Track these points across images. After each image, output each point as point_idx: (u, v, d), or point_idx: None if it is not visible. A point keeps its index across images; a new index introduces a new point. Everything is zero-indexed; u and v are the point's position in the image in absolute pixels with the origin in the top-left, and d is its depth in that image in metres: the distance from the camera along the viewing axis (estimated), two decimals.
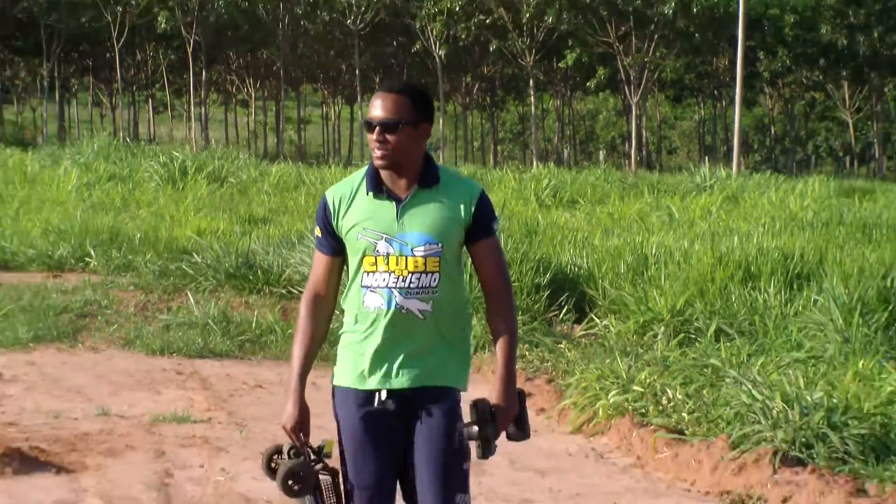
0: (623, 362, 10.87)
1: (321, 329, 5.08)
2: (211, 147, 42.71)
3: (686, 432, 9.16)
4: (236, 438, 9.30)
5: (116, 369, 11.76)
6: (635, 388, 9.99)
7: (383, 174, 4.92)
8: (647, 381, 10.12)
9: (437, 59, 50.92)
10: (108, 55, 55.80)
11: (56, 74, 56.31)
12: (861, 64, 51.36)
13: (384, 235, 4.87)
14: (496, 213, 5.13)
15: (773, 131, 62.95)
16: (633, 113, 49.85)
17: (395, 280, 4.84)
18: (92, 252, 17.04)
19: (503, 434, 4.98)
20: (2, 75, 62.09)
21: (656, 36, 47.29)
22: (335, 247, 5.00)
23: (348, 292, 5.02)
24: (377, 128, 4.81)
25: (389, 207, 4.87)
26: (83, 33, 53.61)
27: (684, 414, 9.45)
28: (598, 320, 13.25)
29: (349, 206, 4.95)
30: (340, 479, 5.10)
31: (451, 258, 4.96)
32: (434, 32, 49.45)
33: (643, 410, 9.70)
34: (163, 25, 50.83)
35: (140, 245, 17.31)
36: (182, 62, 55.90)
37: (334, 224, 4.97)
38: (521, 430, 5.00)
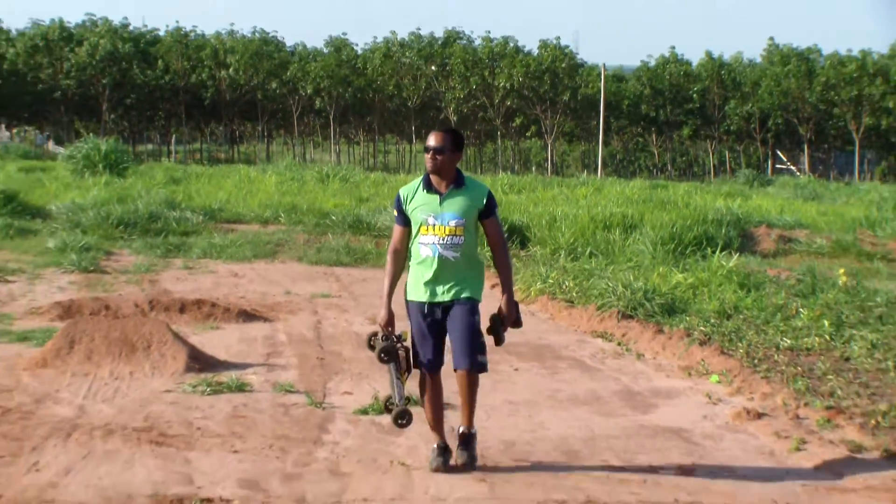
0: (542, 268, 18.81)
1: (399, 267, 8.30)
2: (341, 164, 62.38)
3: (575, 302, 16.04)
4: (352, 305, 16.19)
5: (293, 272, 19.97)
6: (549, 280, 17.37)
7: (432, 179, 8.14)
8: (555, 277, 17.64)
9: (452, 121, 75.37)
10: (289, 119, 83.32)
11: (264, 130, 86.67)
12: (661, 124, 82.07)
13: (432, 214, 8.07)
14: (497, 203, 8.36)
15: (617, 157, 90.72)
16: (549, 147, 78.68)
17: (438, 239, 8.03)
18: (282, 215, 28.90)
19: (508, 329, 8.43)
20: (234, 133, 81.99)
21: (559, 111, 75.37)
22: (405, 221, 8.22)
23: (412, 246, 8.21)
24: (431, 151, 8.06)
25: (435, 198, 8.09)
26: (281, 108, 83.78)
27: (574, 293, 16.48)
28: (531, 248, 23.14)
29: (413, 197, 8.19)
30: (411, 354, 8.27)
31: (471, 228, 8.11)
32: (451, 109, 76.68)
33: (553, 291, 16.88)
34: (318, 105, 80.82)
35: (306, 211, 29.04)
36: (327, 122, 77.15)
37: (405, 208, 8.20)
38: (517, 325, 8.43)
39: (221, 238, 23.94)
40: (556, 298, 16.47)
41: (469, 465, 8.15)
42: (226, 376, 11.18)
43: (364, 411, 9.77)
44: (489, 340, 8.20)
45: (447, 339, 8.20)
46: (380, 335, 8.26)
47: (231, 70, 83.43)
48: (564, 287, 16.87)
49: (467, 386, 8.07)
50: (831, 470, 8.59)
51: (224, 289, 17.67)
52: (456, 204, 8.07)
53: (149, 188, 33.13)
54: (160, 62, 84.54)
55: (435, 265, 8.02)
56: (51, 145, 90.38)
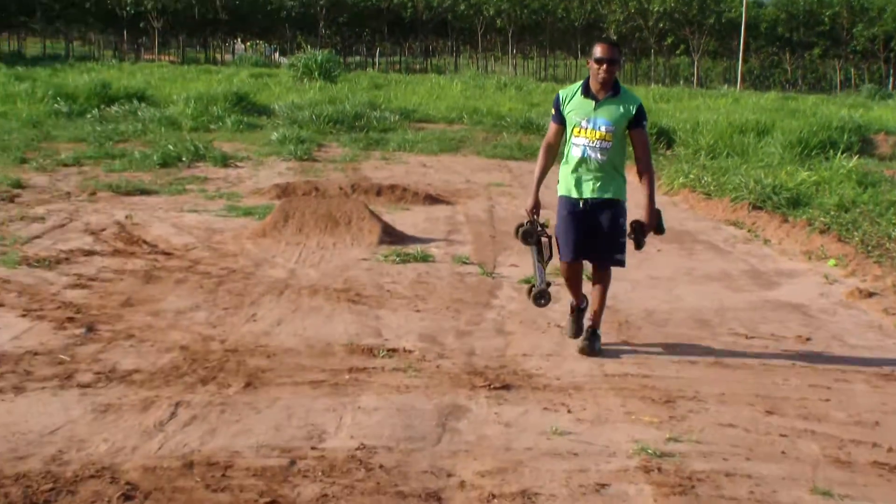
0: (685, 166, 18.23)
1: (550, 161, 7.58)
2: (517, 76, 59.44)
3: (711, 195, 15.63)
4: (521, 193, 15.91)
5: (472, 164, 19.81)
6: (690, 175, 16.92)
7: (591, 85, 7.38)
8: (695, 173, 17.12)
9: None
10: (474, 37, 71.38)
11: (453, 46, 74.82)
12: (794, 45, 74.83)
13: (586, 118, 7.35)
14: (646, 116, 7.49)
15: (754, 73, 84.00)
16: (695, 64, 73.73)
17: (589, 142, 7.33)
18: (465, 116, 28.28)
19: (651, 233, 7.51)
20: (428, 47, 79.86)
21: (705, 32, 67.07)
22: (561, 120, 7.49)
23: (565, 145, 7.50)
24: (605, 63, 7.24)
25: (591, 104, 7.35)
26: (468, 27, 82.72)
27: (711, 187, 16.00)
28: (676, 149, 22.25)
29: (571, 99, 7.46)
30: (553, 242, 7.60)
31: (620, 135, 7.37)
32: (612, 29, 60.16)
33: (693, 185, 16.42)
34: (499, 24, 73.08)
35: (485, 114, 28.19)
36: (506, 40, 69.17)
37: (562, 108, 7.48)
38: (660, 232, 7.61)
39: (413, 135, 23.95)
40: (695, 191, 16.10)
41: (590, 351, 7.52)
42: (412, 249, 11.17)
43: (527, 281, 9.59)
44: (629, 244, 7.51)
45: (588, 236, 7.47)
46: (526, 222, 7.65)
47: None
48: (703, 182, 16.40)
49: (605, 280, 7.57)
50: None
51: (414, 177, 17.66)
52: (609, 111, 7.34)
53: (355, 92, 33.34)
54: None
55: (583, 164, 7.38)
56: (276, 56, 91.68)
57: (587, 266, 7.76)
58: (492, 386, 6.70)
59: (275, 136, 21.89)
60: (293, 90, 35.17)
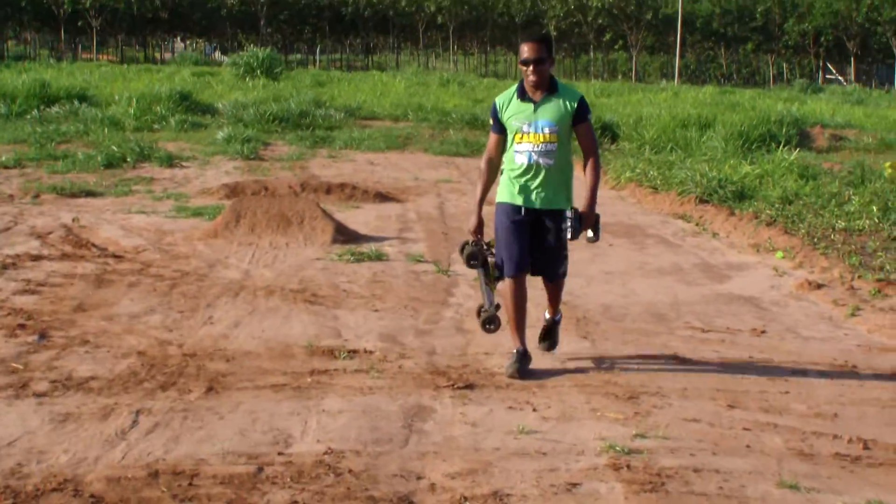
0: (630, 160, 18.27)
1: (492, 175, 7.10)
2: (458, 72, 58.05)
3: (658, 189, 15.72)
4: (470, 189, 15.40)
5: (420, 161, 19.83)
6: (636, 170, 16.96)
7: (526, 86, 6.93)
8: (641, 167, 17.18)
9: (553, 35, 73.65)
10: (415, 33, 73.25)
11: (394, 43, 75.50)
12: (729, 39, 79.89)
13: (527, 122, 6.88)
14: (589, 109, 7.04)
15: (690, 68, 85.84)
16: (633, 59, 76.10)
17: (533, 146, 6.84)
18: (410, 113, 28.01)
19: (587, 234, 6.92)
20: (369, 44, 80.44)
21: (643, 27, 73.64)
22: (501, 129, 7.03)
23: (507, 154, 7.01)
24: (532, 64, 6.79)
25: (529, 106, 6.89)
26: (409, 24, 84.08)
27: (657, 181, 16.06)
28: (620, 143, 22.33)
29: (508, 105, 6.98)
30: (496, 259, 7.05)
31: (564, 135, 6.89)
32: (552, 25, 67.37)
33: (639, 179, 16.51)
34: (440, 21, 76.87)
35: (430, 110, 28.14)
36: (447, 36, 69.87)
37: (500, 116, 7.00)
38: (595, 235, 7.01)
39: (359, 132, 23.85)
40: (642, 185, 16.21)
41: (551, 349, 7.38)
42: (366, 247, 11.09)
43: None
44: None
45: (531, 245, 6.98)
46: (470, 242, 7.19)
47: None
48: (649, 176, 16.50)
49: (555, 290, 7.20)
50: (882, 333, 8.39)
51: (362, 174, 17.55)
52: (550, 111, 6.87)
53: (299, 90, 33.11)
54: None
55: (531, 172, 6.87)
56: (217, 54, 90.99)
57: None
58: (455, 385, 6.64)
59: (220, 135, 21.65)
60: (236, 88, 34.86)
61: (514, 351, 7.00)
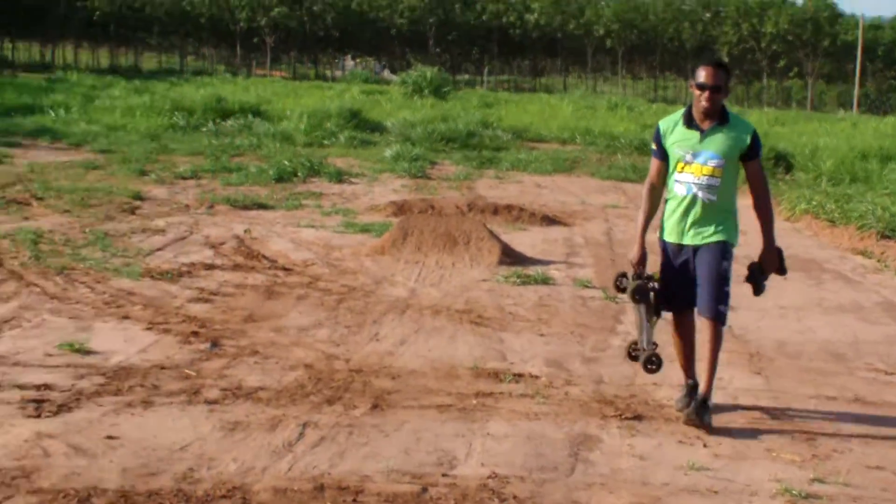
0: (806, 191, 17.65)
1: (654, 203, 6.66)
2: (626, 96, 57.19)
3: (836, 222, 15.16)
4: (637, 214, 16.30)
5: (587, 185, 19.62)
6: (812, 202, 16.35)
7: (695, 113, 6.43)
8: (817, 199, 16.53)
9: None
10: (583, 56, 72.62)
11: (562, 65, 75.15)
12: None
13: (690, 151, 6.39)
14: (761, 144, 6.53)
15: (870, 97, 79.14)
16: (809, 87, 56.88)
17: (695, 179, 6.36)
18: (577, 136, 28.06)
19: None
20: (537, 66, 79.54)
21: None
22: (663, 155, 6.56)
23: (669, 181, 6.55)
24: (708, 91, 6.29)
25: (695, 135, 6.40)
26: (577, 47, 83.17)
27: (835, 214, 15.47)
28: (795, 173, 21.75)
29: (672, 131, 6.52)
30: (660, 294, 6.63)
31: (730, 170, 6.38)
32: (724, 51, 64.10)
33: (815, 212, 15.92)
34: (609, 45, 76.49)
35: (597, 134, 28.20)
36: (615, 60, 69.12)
37: (663, 141, 6.55)
38: (781, 272, 6.67)
39: (526, 154, 23.87)
40: (818, 218, 15.68)
41: (696, 424, 6.37)
42: (532, 270, 11.01)
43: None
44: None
45: (693, 286, 6.48)
46: (630, 274, 6.72)
47: (536, 13, 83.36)
48: (826, 208, 15.90)
49: (709, 338, 6.39)
50: None
51: (529, 196, 17.48)
52: (717, 142, 6.37)
53: (466, 110, 33.36)
54: (478, 5, 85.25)
55: (687, 205, 6.40)
56: (386, 73, 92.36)
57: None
58: (623, 416, 6.52)
59: (388, 152, 21.92)
60: (404, 107, 35.24)
61: (684, 384, 6.71)
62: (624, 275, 6.86)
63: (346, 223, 13.65)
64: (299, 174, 18.36)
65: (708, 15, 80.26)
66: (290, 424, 6.05)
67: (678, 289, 6.52)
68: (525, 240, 13.08)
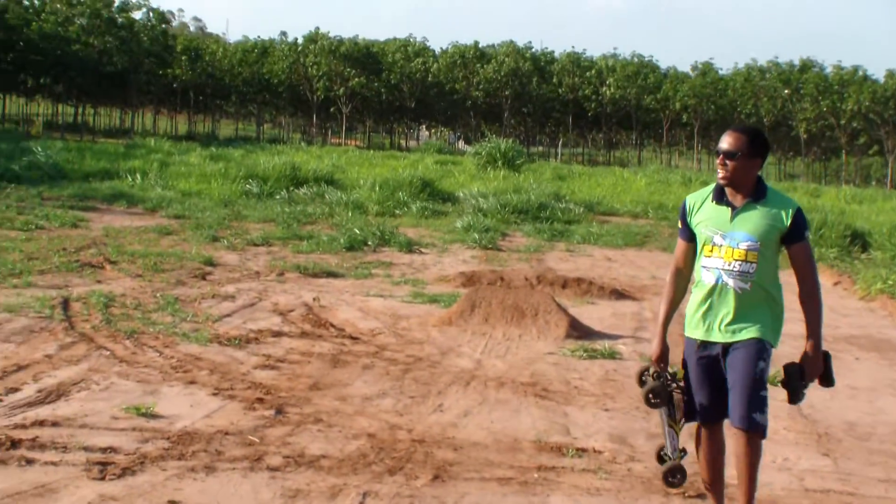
0: (883, 270, 17.34)
1: (679, 290, 5.87)
2: (701, 171, 56.91)
3: None
4: None
5: (658, 260, 19.47)
6: (889, 281, 16.05)
7: (726, 188, 5.57)
8: (894, 279, 16.24)
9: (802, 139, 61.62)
10: (658, 130, 73.59)
11: (637, 139, 79.21)
12: None
13: (719, 232, 5.51)
14: (808, 225, 5.60)
15: None
16: (889, 164, 67.75)
17: (725, 264, 5.46)
18: (650, 210, 28.20)
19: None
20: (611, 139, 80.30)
21: None
22: (690, 235, 5.70)
23: (696, 266, 5.67)
24: (721, 155, 5.52)
25: (726, 212, 5.53)
26: (652, 121, 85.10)
27: None
28: (872, 252, 21.40)
29: (700, 208, 5.66)
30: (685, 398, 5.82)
31: (768, 254, 5.47)
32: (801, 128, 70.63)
33: (892, 291, 15.58)
34: (684, 119, 78.73)
35: (671, 209, 28.10)
36: (691, 134, 70.09)
37: (689, 220, 5.71)
38: (826, 383, 5.64)
39: (598, 227, 23.93)
40: (894, 298, 15.46)
41: None
42: (599, 344, 10.98)
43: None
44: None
45: (724, 391, 5.60)
46: (651, 371, 5.97)
47: (611, 87, 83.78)
48: None
49: (744, 451, 5.47)
50: None
51: (599, 270, 17.49)
52: (751, 222, 5.49)
53: (539, 182, 33.53)
54: (555, 79, 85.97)
55: (717, 297, 5.53)
56: (460, 143, 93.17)
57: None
58: (686, 494, 6.47)
59: (459, 223, 22.10)
60: (477, 178, 35.54)
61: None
62: (647, 369, 6.06)
63: (415, 293, 13.75)
64: (370, 243, 18.56)
65: (787, 91, 79.96)
66: (350, 493, 6.09)
67: (704, 396, 5.68)
68: (593, 313, 13.07)
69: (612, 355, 10.62)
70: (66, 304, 11.45)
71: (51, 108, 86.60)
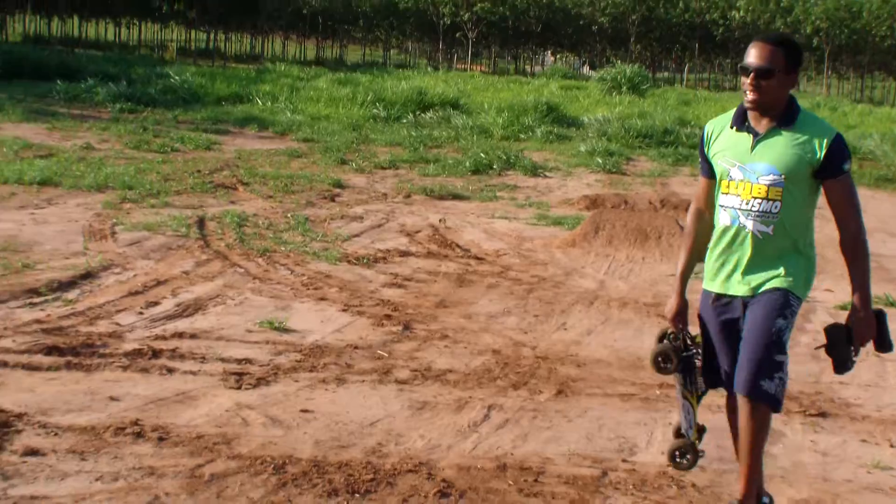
0: None
1: (700, 235, 4.82)
2: (830, 96, 52.37)
3: None
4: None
5: None
6: None
7: (749, 111, 4.57)
8: None
9: None
10: None
11: None
12: None
13: (737, 163, 4.54)
14: (849, 155, 4.52)
15: None
16: None
17: (742, 202, 4.50)
18: None
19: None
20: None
21: None
22: (709, 170, 4.74)
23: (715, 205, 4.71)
24: (752, 74, 4.45)
25: (746, 140, 4.54)
26: None
27: None
28: None
29: (718, 136, 4.68)
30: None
31: (797, 190, 4.44)
32: None
33: None
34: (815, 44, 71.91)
35: None
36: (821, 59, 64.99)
37: (707, 150, 4.73)
38: (882, 347, 4.57)
39: None
40: None
41: None
42: None
43: (843, 307, 9.19)
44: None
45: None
46: (668, 333, 4.96)
47: (742, 10, 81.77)
48: None
49: (745, 424, 4.53)
50: None
51: None
52: (774, 151, 4.46)
53: (664, 108, 33.08)
54: (681, 2, 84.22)
55: (734, 242, 4.58)
56: (585, 69, 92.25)
57: None
58: (807, 412, 6.46)
59: (583, 147, 22.00)
60: (602, 103, 35.23)
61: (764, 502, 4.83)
62: (665, 333, 5.00)
63: (539, 215, 13.80)
64: (495, 167, 18.61)
65: None
66: (476, 406, 6.22)
67: (727, 361, 4.72)
68: None
69: None
70: (201, 223, 11.78)
71: (184, 35, 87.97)
